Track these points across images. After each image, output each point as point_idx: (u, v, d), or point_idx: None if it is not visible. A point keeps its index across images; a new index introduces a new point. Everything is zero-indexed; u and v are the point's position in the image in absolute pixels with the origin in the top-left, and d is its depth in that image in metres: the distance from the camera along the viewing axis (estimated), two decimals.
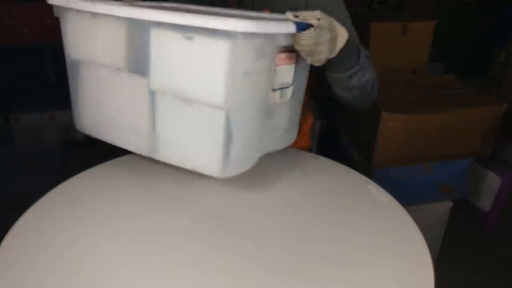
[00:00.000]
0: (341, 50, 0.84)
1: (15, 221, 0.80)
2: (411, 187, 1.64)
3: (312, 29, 0.77)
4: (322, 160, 1.09)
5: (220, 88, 0.72)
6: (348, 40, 0.84)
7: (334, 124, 2.23)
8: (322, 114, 2.17)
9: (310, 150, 1.21)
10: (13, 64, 2.64)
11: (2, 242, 0.74)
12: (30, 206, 0.85)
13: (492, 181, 2.06)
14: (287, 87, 0.86)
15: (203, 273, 0.68)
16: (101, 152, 1.11)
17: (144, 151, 0.89)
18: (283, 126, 0.93)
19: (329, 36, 0.78)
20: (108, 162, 1.05)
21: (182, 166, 0.85)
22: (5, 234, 0.76)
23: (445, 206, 1.78)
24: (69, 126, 2.57)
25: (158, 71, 0.79)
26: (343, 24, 0.85)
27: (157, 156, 0.87)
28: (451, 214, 1.81)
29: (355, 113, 1.66)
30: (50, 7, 0.87)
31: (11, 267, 0.68)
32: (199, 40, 0.71)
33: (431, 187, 1.69)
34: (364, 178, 1.00)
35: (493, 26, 3.09)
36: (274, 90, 0.83)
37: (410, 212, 0.86)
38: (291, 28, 0.75)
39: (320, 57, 0.81)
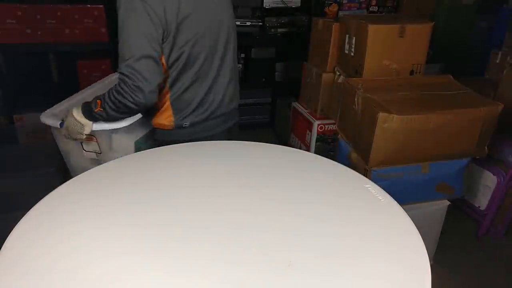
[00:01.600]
0: (88, 117, 1.30)
1: (18, 221, 0.81)
2: (408, 187, 1.66)
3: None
4: (321, 160, 1.10)
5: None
6: (87, 110, 1.30)
7: (332, 124, 2.26)
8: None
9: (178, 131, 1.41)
10: (17, 65, 2.64)
11: (5, 241, 0.75)
12: (33, 205, 0.86)
13: (489, 180, 2.08)
14: (98, 153, 1.45)
15: (203, 271, 0.70)
16: None
17: None
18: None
19: (64, 131, 1.36)
20: (110, 162, 1.06)
21: None
22: (8, 233, 0.77)
23: (442, 205, 1.80)
24: None
25: None
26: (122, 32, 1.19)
27: None
28: (447, 213, 1.82)
29: (354, 114, 1.68)
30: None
31: (14, 266, 0.69)
32: None
33: (428, 186, 1.70)
34: (362, 178, 1.01)
35: (490, 28, 3.11)
36: (86, 151, 1.46)
37: (407, 211, 0.88)
38: (57, 124, 1.38)
39: (76, 136, 1.34)
